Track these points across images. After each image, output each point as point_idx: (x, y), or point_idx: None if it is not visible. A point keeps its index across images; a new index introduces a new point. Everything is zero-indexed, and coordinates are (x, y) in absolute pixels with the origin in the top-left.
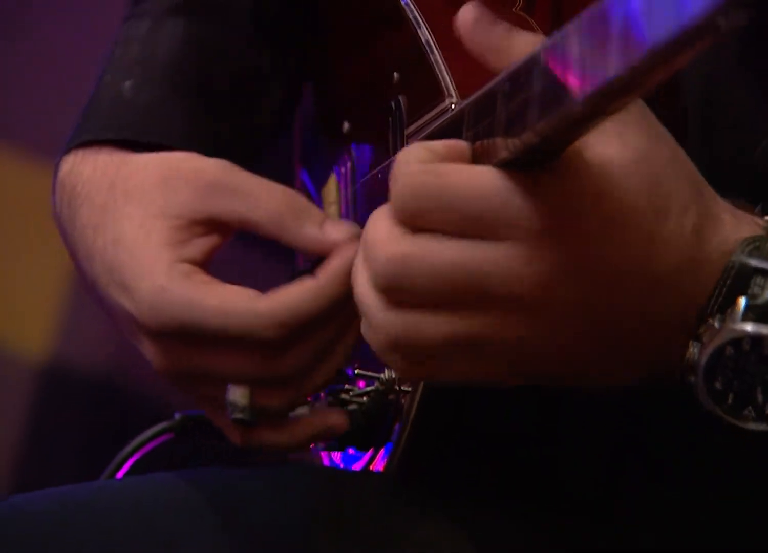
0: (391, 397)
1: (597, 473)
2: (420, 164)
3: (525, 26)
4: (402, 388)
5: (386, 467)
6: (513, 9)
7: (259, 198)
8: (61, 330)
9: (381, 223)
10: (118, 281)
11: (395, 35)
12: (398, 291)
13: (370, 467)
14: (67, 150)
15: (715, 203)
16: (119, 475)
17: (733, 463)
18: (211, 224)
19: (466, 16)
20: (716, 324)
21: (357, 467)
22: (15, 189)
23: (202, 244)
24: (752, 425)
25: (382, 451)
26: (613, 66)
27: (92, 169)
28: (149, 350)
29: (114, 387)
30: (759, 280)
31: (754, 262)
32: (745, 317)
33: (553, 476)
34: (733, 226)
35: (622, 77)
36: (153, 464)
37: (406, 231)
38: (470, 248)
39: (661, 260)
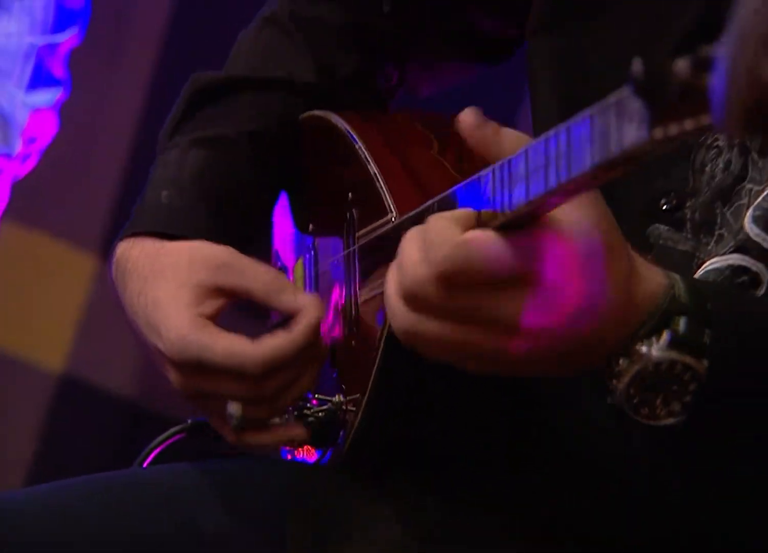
0: (338, 413)
1: (503, 462)
2: (449, 236)
3: (440, 168)
4: (347, 408)
5: (330, 461)
6: (429, 151)
7: (254, 275)
8: (76, 346)
9: (415, 263)
10: (154, 330)
11: (351, 166)
12: (424, 305)
13: (324, 460)
14: (121, 238)
15: (635, 257)
16: (145, 464)
17: (617, 445)
18: (220, 292)
19: (466, 118)
20: (643, 349)
21: (311, 460)
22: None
23: (213, 306)
24: (644, 421)
25: (330, 450)
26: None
27: (138, 252)
28: (173, 376)
29: (121, 397)
30: (676, 321)
31: (673, 306)
32: (667, 347)
33: (453, 461)
34: (649, 275)
35: (553, 189)
36: (170, 456)
37: (437, 280)
38: (480, 295)
39: (613, 290)
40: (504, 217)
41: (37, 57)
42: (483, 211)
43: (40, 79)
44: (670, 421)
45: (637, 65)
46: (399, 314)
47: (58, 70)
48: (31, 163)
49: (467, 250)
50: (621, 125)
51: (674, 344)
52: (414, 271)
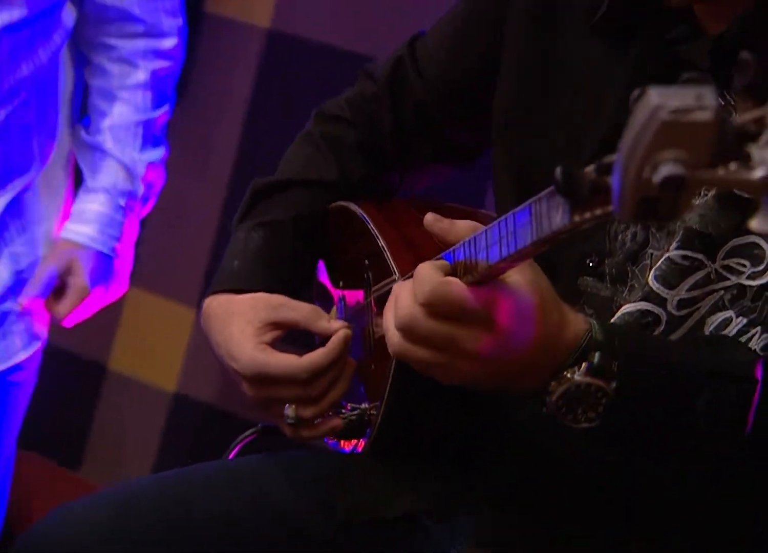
0: (365, 416)
1: (496, 450)
2: (434, 277)
3: (429, 241)
4: (371, 412)
5: (361, 451)
6: (421, 228)
7: (299, 310)
8: (183, 371)
9: (407, 301)
10: (231, 357)
11: (366, 240)
12: (413, 335)
13: (357, 450)
14: (206, 296)
15: (565, 307)
16: (231, 456)
17: (567, 444)
18: (275, 325)
19: (428, 218)
20: (568, 375)
21: (347, 450)
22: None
23: (271, 336)
24: (569, 424)
25: (362, 442)
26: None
27: (217, 304)
28: (247, 388)
29: (217, 409)
30: (592, 354)
31: (589, 343)
32: (585, 373)
33: (466, 454)
34: (574, 320)
35: (504, 259)
36: (247, 450)
37: (423, 309)
38: (452, 327)
39: (547, 332)
40: (471, 277)
41: (144, 127)
42: (455, 263)
43: (148, 141)
44: (587, 425)
45: (557, 172)
46: (396, 342)
47: (160, 134)
48: (150, 205)
49: (446, 287)
50: (550, 213)
51: (590, 371)
52: (406, 305)
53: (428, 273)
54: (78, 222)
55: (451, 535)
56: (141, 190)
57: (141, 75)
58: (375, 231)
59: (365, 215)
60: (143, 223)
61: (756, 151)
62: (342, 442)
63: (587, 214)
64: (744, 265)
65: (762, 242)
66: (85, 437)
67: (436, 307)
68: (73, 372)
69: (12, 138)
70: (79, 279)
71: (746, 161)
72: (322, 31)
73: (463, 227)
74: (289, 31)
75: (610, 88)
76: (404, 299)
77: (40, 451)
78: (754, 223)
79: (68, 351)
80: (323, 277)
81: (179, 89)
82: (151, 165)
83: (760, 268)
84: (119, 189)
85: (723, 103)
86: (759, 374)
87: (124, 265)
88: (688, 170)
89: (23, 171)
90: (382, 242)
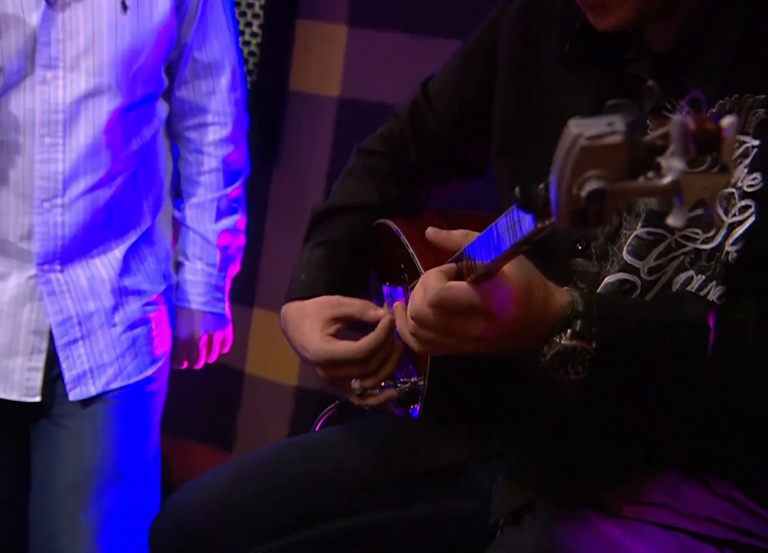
0: (415, 387)
1: (513, 405)
2: (437, 283)
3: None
4: (419, 383)
5: (417, 415)
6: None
7: (353, 305)
8: (301, 367)
9: (419, 303)
10: (305, 349)
11: (400, 249)
12: (425, 327)
13: (413, 415)
14: (284, 303)
15: (549, 285)
16: (317, 428)
17: (556, 393)
18: (336, 320)
19: (429, 232)
20: (556, 339)
21: (402, 414)
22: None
23: (334, 328)
24: (560, 377)
25: (415, 408)
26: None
27: (291, 309)
28: (320, 373)
29: (327, 394)
30: (575, 322)
31: (571, 312)
32: (570, 338)
33: (495, 409)
34: (559, 295)
35: (497, 258)
36: (329, 422)
37: (432, 307)
38: (455, 319)
39: (534, 310)
40: (474, 275)
41: (218, 202)
42: (460, 265)
43: (222, 213)
44: (575, 377)
45: (516, 191)
46: (410, 328)
47: (234, 204)
48: (237, 262)
49: (448, 291)
50: (521, 222)
51: (574, 335)
52: (418, 303)
53: (432, 280)
54: (192, 294)
55: (489, 476)
56: (217, 255)
57: (213, 162)
58: (406, 242)
59: (399, 230)
60: (263, 259)
61: (664, 161)
62: (400, 409)
63: (546, 223)
64: (698, 233)
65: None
66: (234, 424)
67: (440, 306)
68: (221, 377)
69: (126, 199)
70: (202, 337)
71: (658, 170)
72: (381, 93)
73: (457, 236)
74: (355, 97)
75: (578, 111)
76: (417, 301)
77: (203, 441)
78: (670, 220)
79: (217, 362)
80: (376, 278)
81: (272, 155)
82: (224, 231)
83: (711, 234)
84: (201, 256)
85: (666, 111)
86: (711, 321)
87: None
88: (608, 184)
89: (136, 225)
90: (411, 250)
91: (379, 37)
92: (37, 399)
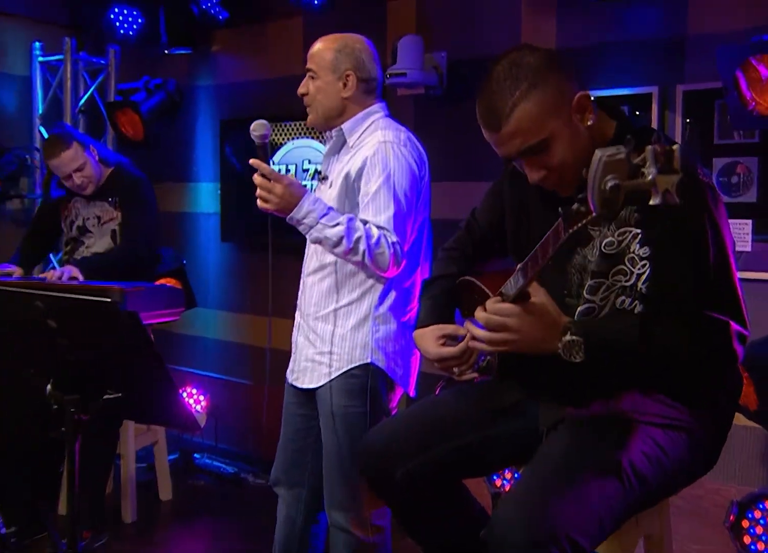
0: (491, 362)
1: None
2: (493, 303)
3: (500, 282)
4: (493, 360)
5: (492, 379)
6: (498, 279)
7: (450, 328)
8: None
9: (483, 314)
10: (426, 353)
11: (476, 289)
12: (488, 327)
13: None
14: (414, 331)
15: (558, 311)
16: (436, 393)
17: (568, 367)
18: (442, 336)
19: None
20: (566, 338)
21: (485, 380)
22: None
23: (441, 340)
24: (570, 359)
25: (492, 376)
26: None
27: (420, 333)
28: (435, 365)
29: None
30: (573, 329)
31: (568, 323)
32: (570, 336)
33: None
34: (562, 319)
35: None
36: (440, 391)
37: (488, 314)
38: (505, 323)
39: (551, 318)
40: (509, 297)
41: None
42: (501, 293)
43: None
44: (579, 359)
45: (560, 211)
46: (482, 331)
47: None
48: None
49: (500, 307)
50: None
51: (572, 334)
52: (483, 316)
53: (491, 302)
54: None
55: (534, 407)
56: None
57: None
58: (478, 283)
59: (473, 279)
60: None
61: (646, 170)
62: (481, 378)
63: (577, 226)
64: (621, 279)
65: (626, 268)
66: None
67: (496, 315)
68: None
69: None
70: None
71: (644, 175)
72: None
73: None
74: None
75: (536, 215)
76: (483, 314)
77: None
78: (652, 201)
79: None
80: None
81: None
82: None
83: (628, 276)
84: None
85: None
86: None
87: None
88: (620, 181)
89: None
90: (483, 287)
91: (443, 186)
92: None
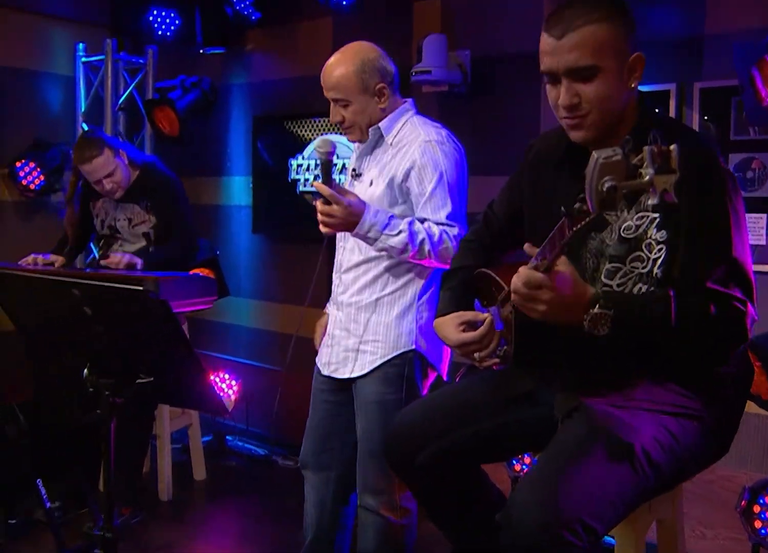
0: (507, 351)
1: (569, 352)
2: (525, 270)
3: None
4: (509, 350)
5: (508, 366)
6: (511, 270)
7: (469, 314)
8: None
9: (517, 281)
10: (446, 339)
11: (492, 281)
12: (519, 292)
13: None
14: (434, 319)
15: (586, 283)
16: (457, 379)
17: (592, 342)
18: (462, 323)
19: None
20: (591, 312)
21: (503, 368)
22: None
23: (461, 327)
24: (596, 333)
25: (507, 363)
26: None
27: (440, 320)
28: (456, 351)
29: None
30: (601, 301)
31: (595, 295)
32: (598, 308)
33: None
34: (589, 289)
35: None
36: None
37: (523, 285)
38: (536, 291)
39: (578, 291)
40: (541, 267)
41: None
42: (535, 264)
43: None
44: (604, 333)
45: (562, 210)
46: (514, 295)
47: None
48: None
49: (530, 272)
50: (563, 229)
51: (600, 307)
52: (515, 280)
53: (522, 270)
54: None
55: (550, 395)
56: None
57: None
58: (494, 275)
59: (490, 271)
60: None
61: (643, 170)
62: (500, 366)
63: (579, 225)
64: (638, 265)
65: (643, 254)
66: None
67: (528, 282)
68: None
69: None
70: None
71: (641, 175)
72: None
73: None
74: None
75: (562, 193)
76: (514, 280)
77: None
78: (649, 202)
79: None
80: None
81: None
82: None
83: (645, 263)
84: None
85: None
86: (672, 296)
87: None
88: (617, 182)
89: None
90: (499, 279)
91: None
92: None
